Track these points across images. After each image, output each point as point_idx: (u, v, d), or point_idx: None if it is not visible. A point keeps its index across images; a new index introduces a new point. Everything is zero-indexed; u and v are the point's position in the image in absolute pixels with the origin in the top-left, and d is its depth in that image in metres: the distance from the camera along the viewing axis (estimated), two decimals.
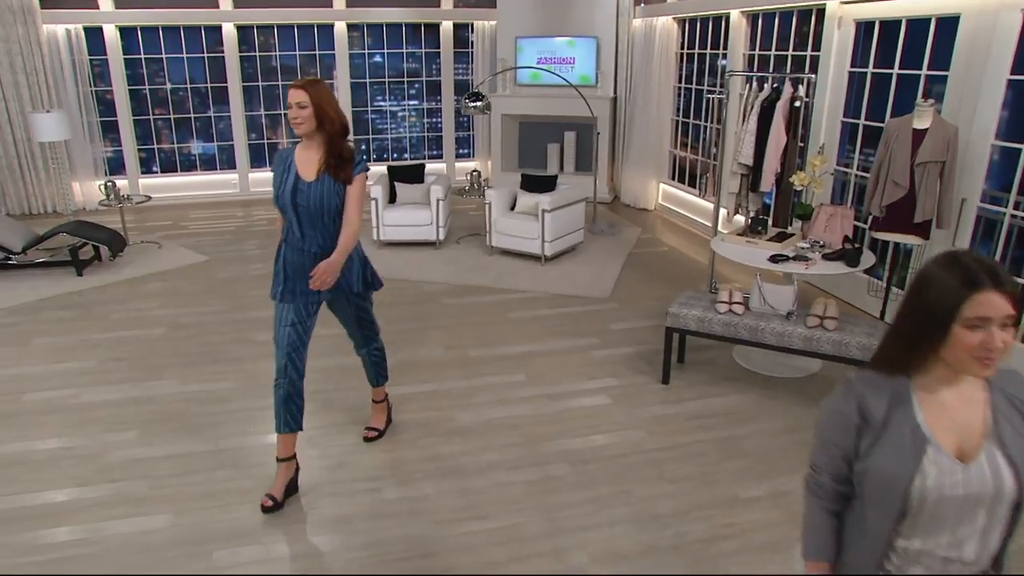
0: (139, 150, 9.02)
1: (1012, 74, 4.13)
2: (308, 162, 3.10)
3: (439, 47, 9.66)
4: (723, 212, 5.71)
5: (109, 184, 6.83)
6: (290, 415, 3.26)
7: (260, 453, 3.67)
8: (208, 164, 9.42)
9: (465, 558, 2.93)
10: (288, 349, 3.22)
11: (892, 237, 4.27)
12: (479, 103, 6.98)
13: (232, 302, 5.79)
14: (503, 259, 6.76)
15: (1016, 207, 4.20)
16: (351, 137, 3.23)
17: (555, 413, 4.09)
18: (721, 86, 7.23)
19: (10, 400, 4.22)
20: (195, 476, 3.50)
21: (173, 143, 9.19)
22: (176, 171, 9.32)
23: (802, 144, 4.91)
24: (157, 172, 9.25)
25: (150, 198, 7.23)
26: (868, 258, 4.20)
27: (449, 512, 3.23)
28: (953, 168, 4.08)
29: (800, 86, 4.81)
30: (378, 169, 8.52)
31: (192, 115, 9.21)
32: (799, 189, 4.64)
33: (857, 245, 4.22)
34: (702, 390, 4.30)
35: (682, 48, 8.12)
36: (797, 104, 4.66)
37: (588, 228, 7.51)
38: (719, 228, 5.63)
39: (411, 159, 10.01)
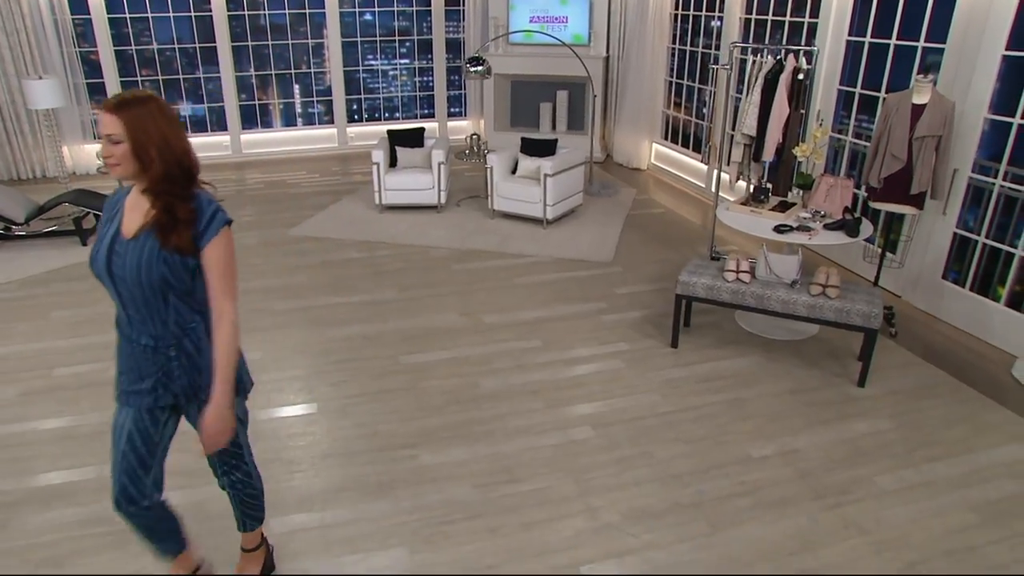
0: None
1: (1007, 50, 4.31)
2: (135, 210, 2.17)
3: (430, 5, 9.54)
4: (724, 177, 5.89)
5: None
6: (163, 541, 2.57)
7: (296, 424, 3.86)
8: (199, 126, 9.31)
9: (508, 519, 3.18)
10: (123, 469, 2.34)
11: (888, 207, 4.50)
12: (480, 67, 7.00)
13: (242, 270, 5.85)
14: (505, 222, 6.91)
15: (1005, 177, 4.45)
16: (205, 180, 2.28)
17: (573, 378, 4.32)
18: (717, 48, 7.33)
19: (42, 375, 4.33)
20: None
21: None
22: None
23: (803, 111, 5.07)
24: None
25: None
26: (867, 228, 4.43)
27: (485, 476, 3.47)
28: (949, 142, 4.29)
29: (802, 57, 4.95)
30: (378, 131, 8.57)
31: (180, 76, 9.06)
32: (801, 160, 4.84)
33: (857, 215, 4.45)
34: (709, 353, 4.56)
35: (676, 9, 8.15)
36: (800, 76, 4.81)
37: (585, 190, 7.65)
38: (723, 195, 5.81)
39: (403, 118, 10.00)
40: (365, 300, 5.34)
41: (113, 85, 8.64)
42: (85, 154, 8.60)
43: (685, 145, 8.26)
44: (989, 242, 4.61)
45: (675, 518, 3.19)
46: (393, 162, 7.30)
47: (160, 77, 8.96)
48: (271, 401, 4.07)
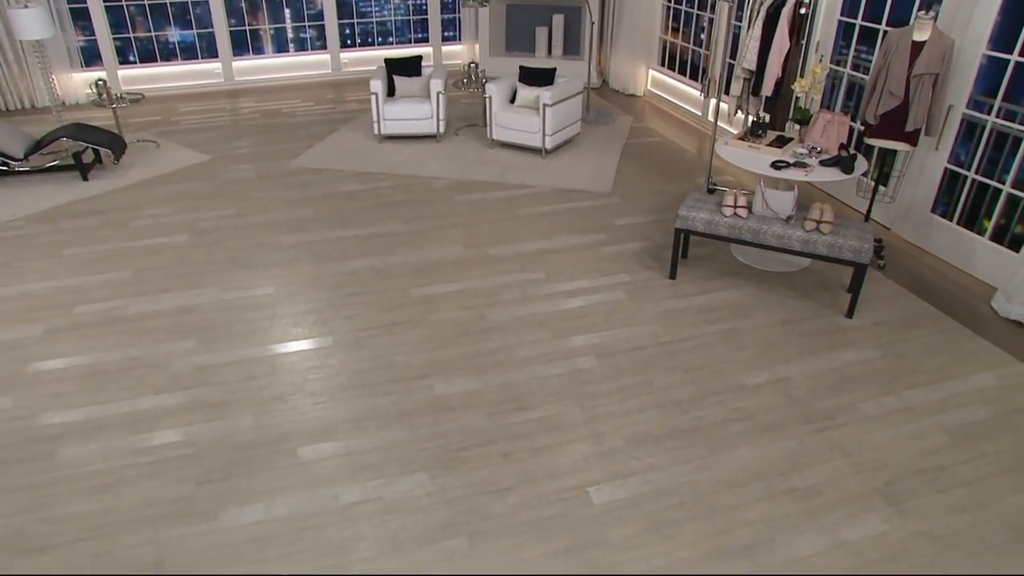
0: (114, 39, 8.66)
1: None
2: None
3: None
4: (723, 107, 5.93)
5: (100, 83, 6.69)
6: None
7: (314, 357, 4.06)
8: (188, 53, 9.10)
9: (520, 444, 3.43)
10: None
11: (884, 143, 4.60)
12: None
13: (245, 204, 5.96)
14: (504, 152, 6.95)
15: (998, 113, 4.54)
16: None
17: (577, 309, 4.51)
18: None
19: (63, 313, 4.48)
20: (260, 381, 3.88)
21: (149, 31, 8.82)
22: (155, 61, 9.00)
23: (803, 42, 5.09)
24: (135, 62, 8.93)
25: (143, 96, 7.11)
26: (861, 164, 4.56)
27: (496, 405, 3.70)
28: (946, 79, 4.37)
29: None
30: (372, 56, 8.43)
31: (167, 0, 8.79)
32: (799, 95, 4.90)
33: (852, 152, 4.56)
34: (706, 285, 4.75)
35: None
36: (802, 11, 4.81)
37: (582, 117, 7.65)
38: (722, 125, 5.87)
39: (396, 43, 9.80)
40: (371, 233, 5.46)
41: (98, 11, 8.39)
42: (74, 83, 8.45)
43: (682, 72, 8.21)
44: (978, 177, 4.75)
45: (675, 442, 3.45)
46: (391, 91, 7.26)
47: (146, 1, 8.70)
48: (288, 335, 4.25)
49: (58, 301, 4.60)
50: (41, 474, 3.26)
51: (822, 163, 4.52)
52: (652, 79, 8.74)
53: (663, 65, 8.59)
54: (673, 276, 4.78)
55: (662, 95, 8.55)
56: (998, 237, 4.70)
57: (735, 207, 4.40)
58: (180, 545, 2.93)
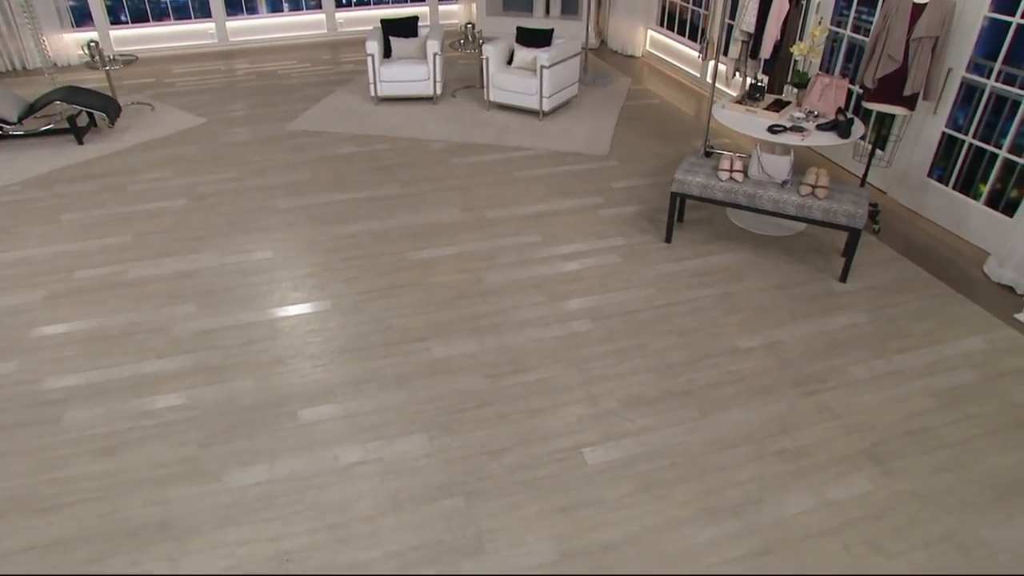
0: None
1: None
2: None
3: None
4: (721, 68, 5.89)
5: (92, 44, 6.61)
6: None
7: (313, 321, 4.11)
8: (181, 13, 8.96)
9: (516, 406, 3.50)
10: None
11: (882, 107, 4.58)
12: None
13: (243, 168, 5.94)
14: (501, 114, 6.91)
15: (998, 77, 4.52)
16: None
17: (572, 272, 4.55)
18: None
19: (63, 279, 4.51)
20: (259, 344, 3.94)
21: None
22: (147, 21, 8.87)
23: (803, 4, 5.03)
24: (127, 22, 8.80)
25: (136, 58, 7.03)
26: (858, 129, 4.55)
27: (493, 367, 3.77)
28: (946, 42, 4.33)
29: None
30: (367, 16, 8.31)
31: None
32: (798, 58, 4.86)
33: (849, 116, 4.55)
34: (701, 248, 4.78)
35: None
36: None
37: (580, 79, 7.59)
38: (720, 87, 5.83)
39: (392, 2, 9.63)
40: (368, 196, 5.47)
41: None
42: (65, 44, 8.35)
43: (681, 32, 8.11)
44: (976, 142, 4.75)
45: (668, 404, 3.53)
46: (387, 52, 7.18)
47: None
48: (287, 299, 4.30)
49: (58, 266, 4.63)
50: (48, 437, 3.33)
51: (819, 127, 4.51)
52: (651, 40, 8.64)
53: (662, 25, 8.48)
54: (669, 240, 4.80)
55: (661, 56, 8.45)
56: (993, 202, 4.72)
57: (731, 171, 4.41)
58: (185, 505, 3.01)
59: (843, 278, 4.40)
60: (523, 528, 2.91)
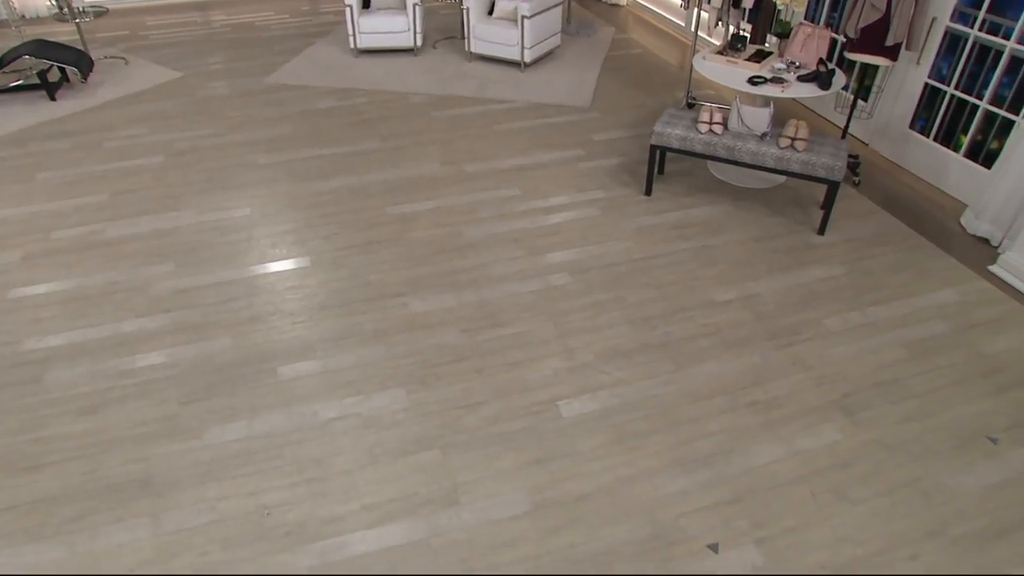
0: None
1: None
2: None
3: None
4: (705, 17, 5.78)
5: None
6: None
7: (292, 277, 4.11)
8: None
9: (492, 360, 3.54)
10: None
11: (864, 58, 4.52)
12: None
13: (220, 124, 5.86)
14: (482, 66, 6.80)
15: (982, 26, 4.46)
16: None
17: (551, 225, 4.55)
18: None
19: (40, 239, 4.48)
20: (239, 302, 3.95)
21: None
22: None
23: None
24: None
25: (107, 9, 6.85)
26: (840, 80, 4.50)
27: (471, 322, 3.80)
28: None
29: None
30: None
31: None
32: (781, 8, 4.78)
33: (831, 67, 4.50)
34: (681, 201, 4.78)
35: None
36: None
37: (563, 29, 7.45)
38: (703, 36, 5.73)
39: None
40: (348, 151, 5.41)
41: None
42: None
43: None
44: (957, 93, 4.71)
45: (643, 357, 3.57)
46: (366, 3, 7.01)
47: None
48: (266, 256, 4.29)
49: (34, 226, 4.59)
50: (30, 397, 3.36)
51: (800, 78, 4.47)
52: None
53: None
54: (649, 192, 4.79)
55: (646, 4, 8.29)
56: (973, 154, 4.71)
57: (711, 124, 4.38)
58: (167, 462, 3.06)
59: (821, 231, 4.41)
60: (498, 480, 2.98)
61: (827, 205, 4.34)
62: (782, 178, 4.95)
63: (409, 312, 3.86)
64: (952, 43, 4.69)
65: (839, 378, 3.46)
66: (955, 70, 4.72)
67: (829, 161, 4.15)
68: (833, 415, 3.27)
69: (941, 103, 4.83)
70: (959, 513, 2.85)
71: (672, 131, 4.47)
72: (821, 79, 4.39)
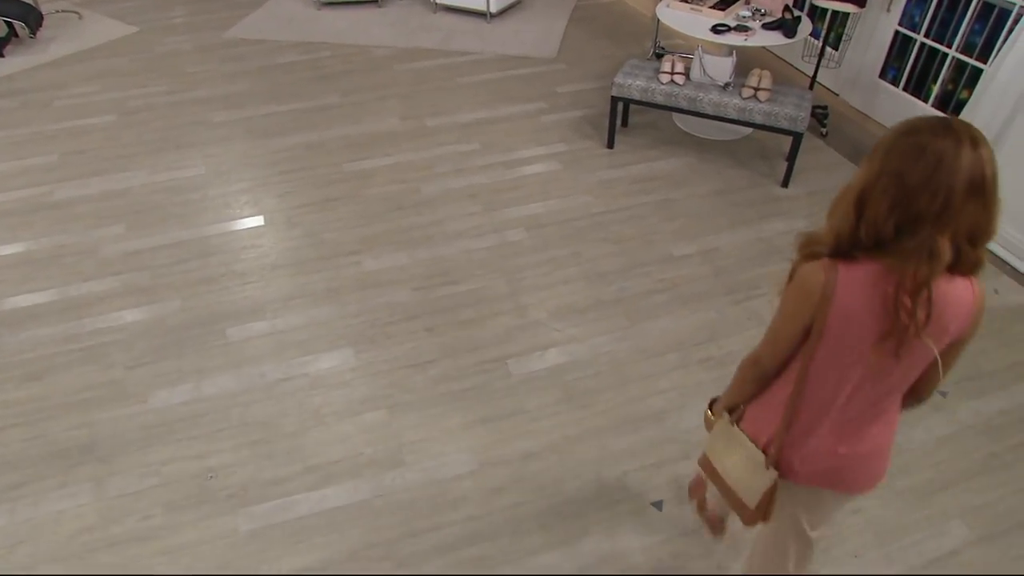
0: None
1: None
2: None
3: None
4: None
5: None
6: None
7: (245, 237, 4.02)
8: None
9: (444, 318, 3.49)
10: None
11: (832, 5, 4.36)
12: None
13: (176, 80, 5.68)
14: (448, 16, 6.60)
15: None
16: None
17: (510, 180, 4.46)
18: None
19: None
20: (190, 263, 3.87)
21: None
22: None
23: None
24: None
25: None
26: (806, 27, 4.36)
27: (424, 279, 3.73)
28: None
29: None
30: None
31: None
32: None
33: (797, 14, 4.36)
34: (644, 154, 4.68)
35: None
36: None
37: None
38: None
39: None
40: (307, 107, 5.26)
41: None
42: None
43: None
44: (927, 40, 4.58)
45: (597, 313, 3.53)
46: None
47: None
48: (220, 216, 4.20)
49: None
50: None
51: (764, 26, 4.34)
52: None
53: None
54: (611, 145, 4.69)
55: None
56: (943, 104, 4.60)
57: (672, 74, 4.26)
58: (112, 427, 3.02)
59: (785, 183, 4.34)
60: (444, 440, 2.96)
61: (791, 157, 4.26)
62: (748, 130, 4.84)
63: (362, 271, 3.79)
64: None
65: None
66: (925, 17, 4.58)
67: (792, 112, 4.05)
68: None
69: (911, 52, 4.71)
70: (905, 467, 2.84)
71: (633, 82, 4.34)
72: (786, 27, 4.26)
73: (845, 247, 1.45)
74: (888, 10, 4.65)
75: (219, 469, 2.86)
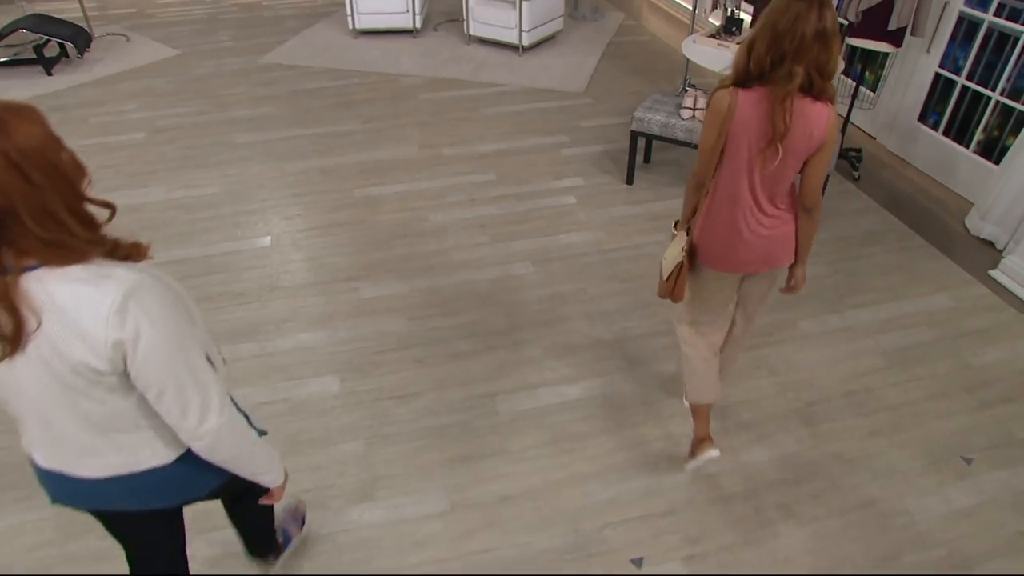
0: None
1: None
2: None
3: None
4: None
5: None
6: None
7: (248, 258, 3.98)
8: None
9: (435, 350, 3.36)
10: None
11: (865, 44, 4.18)
12: None
13: (208, 102, 5.78)
14: (481, 49, 6.60)
15: (999, 11, 4.09)
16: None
17: (522, 213, 4.34)
18: None
19: None
20: (191, 281, 3.83)
21: None
22: None
23: None
24: None
25: None
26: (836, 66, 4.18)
27: (420, 309, 3.61)
28: None
29: None
30: None
31: None
32: None
33: None
34: (663, 191, 4.52)
35: None
36: None
37: (570, 13, 7.21)
38: (713, 22, 5.45)
39: None
40: (328, 132, 5.27)
41: None
42: None
43: None
44: (969, 83, 4.35)
45: (595, 353, 3.35)
46: None
47: None
48: (227, 236, 4.17)
49: None
50: None
51: None
52: None
53: None
54: (630, 181, 4.55)
55: None
56: (986, 151, 4.34)
57: (694, 109, 4.12)
58: None
59: None
60: (419, 476, 2.80)
61: None
62: None
63: (359, 297, 3.70)
64: (970, 30, 4.33)
65: (805, 385, 3.19)
66: (969, 56, 4.35)
67: None
68: (792, 425, 3.00)
69: (953, 95, 4.47)
70: (918, 539, 2.57)
71: (654, 117, 4.21)
72: None
73: (742, 79, 2.09)
74: (928, 51, 4.44)
75: None
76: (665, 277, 2.50)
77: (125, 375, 1.39)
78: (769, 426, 2.99)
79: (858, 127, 5.09)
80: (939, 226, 4.21)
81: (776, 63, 1.97)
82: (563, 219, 4.27)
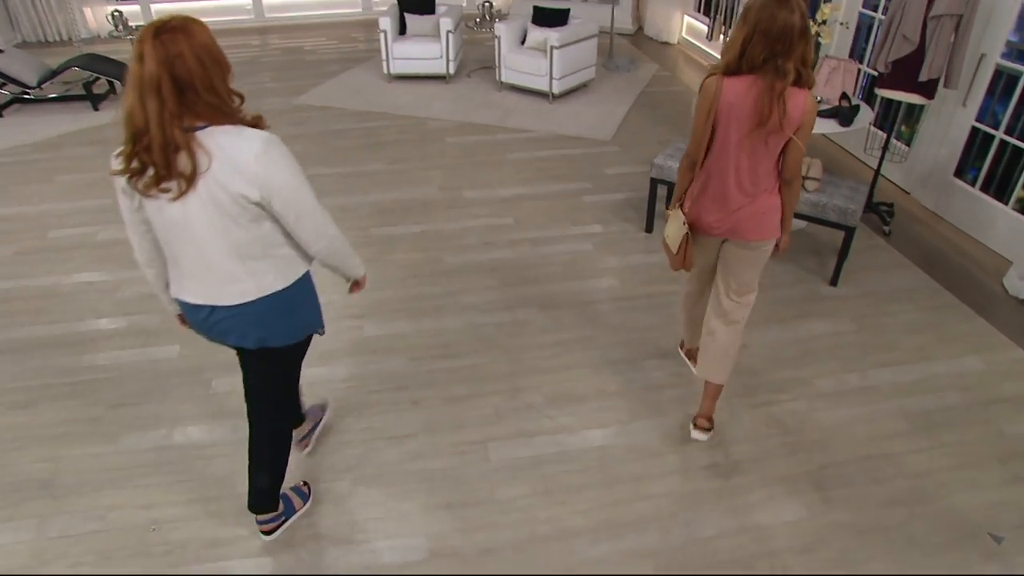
0: None
1: None
2: None
3: None
4: None
5: (116, 13, 6.76)
6: None
7: None
8: None
9: (432, 392, 3.27)
10: None
11: (895, 95, 4.05)
12: None
13: None
14: (512, 95, 6.66)
15: None
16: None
17: (536, 257, 4.27)
18: None
19: (37, 236, 4.56)
20: None
21: None
22: None
23: None
24: None
25: None
26: (865, 116, 4.06)
27: (422, 350, 3.54)
28: (971, 23, 3.77)
29: None
30: None
31: None
32: None
33: (854, 103, 4.07)
34: None
35: None
36: None
37: (604, 64, 7.25)
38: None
39: None
40: (352, 172, 5.33)
41: None
42: (101, 16, 8.59)
43: (707, 14, 7.61)
44: (1006, 137, 4.17)
45: (597, 404, 3.21)
46: (403, 30, 7.04)
47: None
48: None
49: (37, 224, 4.68)
50: None
51: (819, 113, 4.06)
52: (687, 26, 8.18)
53: (698, 10, 8.00)
54: (649, 230, 4.45)
55: (695, 43, 7.98)
56: None
57: None
58: (75, 465, 2.93)
59: (833, 282, 3.94)
60: (401, 521, 2.68)
61: (842, 254, 3.88)
62: (802, 223, 4.50)
63: (361, 335, 3.65)
64: (1009, 83, 4.17)
65: (819, 447, 2.99)
66: (1008, 110, 4.19)
67: (843, 204, 3.71)
68: (803, 488, 2.81)
69: (990, 150, 4.29)
70: None
71: (673, 164, 4.14)
72: (842, 115, 3.97)
73: (732, 71, 2.39)
74: (964, 104, 4.28)
75: (164, 522, 2.69)
76: (675, 251, 2.79)
77: (266, 206, 2.01)
78: (777, 488, 2.80)
79: (890, 180, 4.92)
80: (974, 285, 3.99)
81: (768, 60, 2.29)
82: (578, 266, 4.18)
